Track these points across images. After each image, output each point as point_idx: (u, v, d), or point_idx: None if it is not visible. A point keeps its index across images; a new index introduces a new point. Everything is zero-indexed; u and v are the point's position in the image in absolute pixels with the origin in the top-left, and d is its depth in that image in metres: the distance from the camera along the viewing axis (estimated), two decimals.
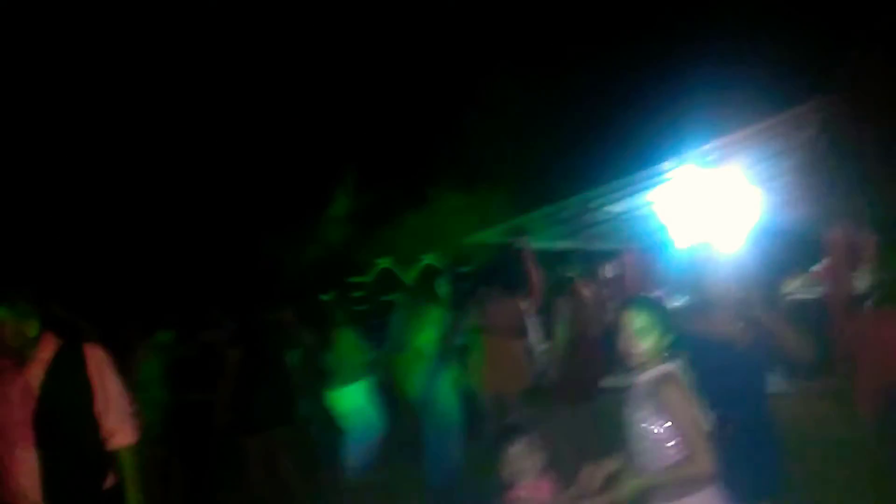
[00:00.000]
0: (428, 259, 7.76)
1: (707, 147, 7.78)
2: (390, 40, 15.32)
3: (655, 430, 2.25)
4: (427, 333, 4.75)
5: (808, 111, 6.59)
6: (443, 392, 4.73)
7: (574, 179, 12.31)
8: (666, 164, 8.38)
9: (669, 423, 2.24)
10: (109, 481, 2.88)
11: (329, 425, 5.73)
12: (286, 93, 15.23)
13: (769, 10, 11.77)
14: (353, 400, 5.68)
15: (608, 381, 9.53)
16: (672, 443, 2.23)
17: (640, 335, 2.41)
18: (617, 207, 10.65)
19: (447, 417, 4.64)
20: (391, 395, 6.55)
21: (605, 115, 14.17)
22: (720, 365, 2.59)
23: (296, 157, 14.12)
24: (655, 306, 2.54)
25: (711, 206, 9.00)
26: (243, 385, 5.06)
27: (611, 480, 2.41)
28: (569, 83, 15.21)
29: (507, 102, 15.79)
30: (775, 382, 4.77)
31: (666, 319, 2.47)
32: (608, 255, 13.08)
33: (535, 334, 7.55)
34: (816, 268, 9.54)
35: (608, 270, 13.18)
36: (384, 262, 9.08)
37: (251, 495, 5.14)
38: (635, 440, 2.34)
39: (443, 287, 4.99)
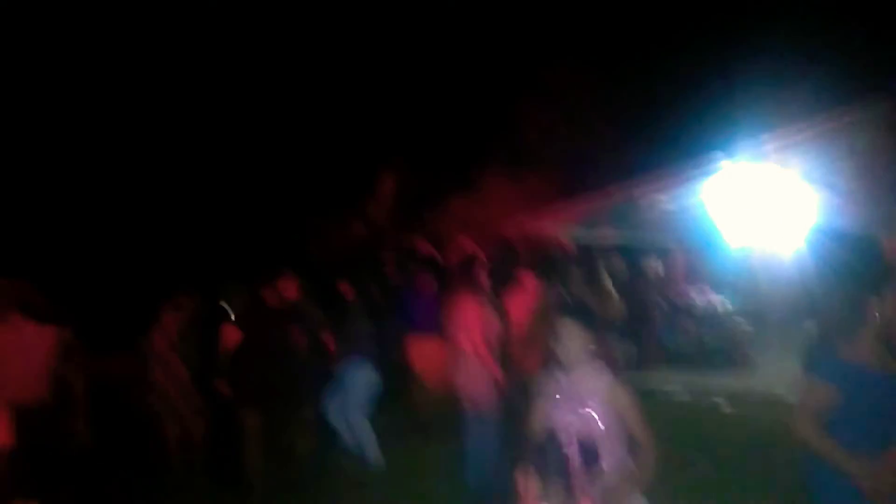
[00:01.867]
0: (467, 243, 7.73)
1: (761, 141, 7.53)
2: (450, 21, 15.27)
3: (601, 426, 2.35)
4: (463, 319, 4.70)
5: (872, 112, 6.28)
6: (474, 378, 4.65)
7: (623, 170, 12.09)
8: (717, 156, 8.16)
9: (613, 421, 2.38)
10: None
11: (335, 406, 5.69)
12: (340, 70, 15.37)
13: (839, 5, 11.27)
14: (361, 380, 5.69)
15: None
16: (613, 438, 2.35)
17: (570, 339, 2.59)
18: (667, 201, 10.43)
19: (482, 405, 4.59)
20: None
21: (660, 105, 13.84)
22: None
23: (347, 137, 14.27)
24: (586, 313, 2.70)
25: (765, 204, 8.72)
26: (244, 359, 5.08)
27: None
28: (625, 72, 14.90)
29: (560, 90, 15.57)
30: None
31: (594, 326, 2.64)
32: (656, 251, 12.80)
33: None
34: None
35: (656, 266, 12.91)
36: (423, 244, 9.09)
37: (247, 470, 5.12)
38: (567, 435, 2.36)
39: (478, 272, 4.89)
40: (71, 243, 10.84)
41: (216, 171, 13.37)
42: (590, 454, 2.27)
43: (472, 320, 4.62)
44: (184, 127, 13.45)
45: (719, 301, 10.87)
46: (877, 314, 2.23)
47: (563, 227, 10.24)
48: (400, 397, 7.05)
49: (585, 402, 2.53)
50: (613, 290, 6.32)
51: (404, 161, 14.36)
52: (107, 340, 6.11)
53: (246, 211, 13.28)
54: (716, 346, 10.15)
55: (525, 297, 5.47)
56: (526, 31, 15.24)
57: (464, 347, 4.65)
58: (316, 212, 13.87)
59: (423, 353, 6.25)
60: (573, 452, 2.24)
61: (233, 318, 5.34)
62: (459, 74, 15.47)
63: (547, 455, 2.25)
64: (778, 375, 8.42)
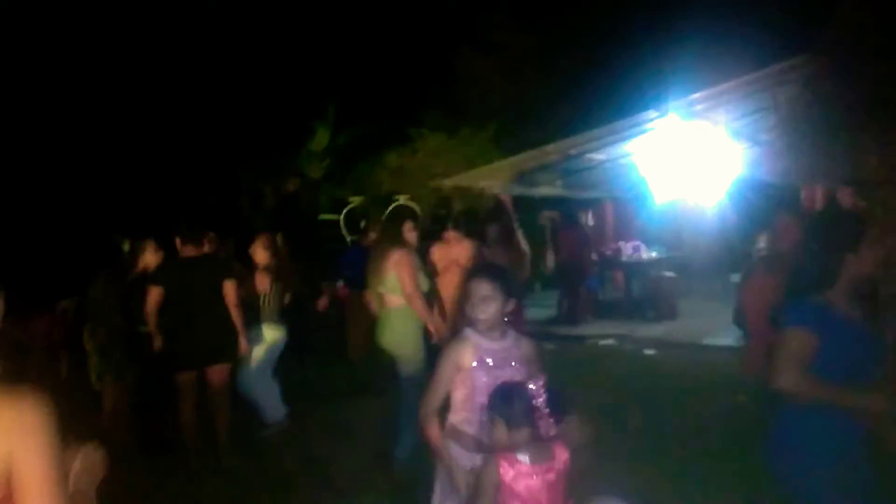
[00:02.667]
0: (401, 199, 7.66)
1: (691, 98, 7.69)
2: None
3: (533, 389, 2.34)
4: (392, 277, 4.63)
5: (792, 67, 6.47)
6: (409, 337, 4.62)
7: (558, 125, 12.20)
8: (650, 114, 8.30)
9: (541, 385, 2.33)
10: None
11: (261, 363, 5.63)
12: (273, 25, 14.82)
13: None
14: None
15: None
16: (541, 401, 2.30)
17: (485, 302, 2.58)
18: (600, 155, 10.60)
19: (416, 364, 4.54)
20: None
21: (593, 62, 13.94)
22: None
23: (279, 90, 13.82)
24: (499, 275, 2.70)
25: (693, 158, 8.98)
26: (174, 319, 4.92)
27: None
28: (559, 28, 14.92)
29: (496, 44, 15.49)
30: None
31: (509, 288, 2.66)
32: (589, 203, 13.07)
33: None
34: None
35: (588, 218, 13.19)
36: (356, 200, 8.89)
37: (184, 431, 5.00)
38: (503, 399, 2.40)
39: (409, 229, 4.81)
40: None
41: (145, 126, 12.78)
42: (556, 402, 2.31)
43: (405, 275, 4.56)
44: (115, 80, 12.75)
45: (647, 253, 11.22)
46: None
47: (497, 182, 10.28)
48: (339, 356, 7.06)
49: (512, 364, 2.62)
50: (527, 248, 6.34)
51: (338, 114, 14.04)
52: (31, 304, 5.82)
53: (178, 166, 12.77)
54: (644, 297, 10.50)
55: (453, 254, 5.48)
56: None
57: (396, 302, 4.63)
58: (249, 167, 13.49)
59: (357, 309, 6.17)
60: (542, 402, 2.29)
61: (155, 274, 5.11)
62: (396, 25, 15.15)
63: (514, 405, 2.30)
64: (703, 324, 8.84)
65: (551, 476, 2.32)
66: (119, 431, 5.15)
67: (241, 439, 5.22)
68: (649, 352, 8.05)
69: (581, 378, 6.21)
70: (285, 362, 5.91)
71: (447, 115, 13.97)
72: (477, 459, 2.53)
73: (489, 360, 2.60)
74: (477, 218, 6.00)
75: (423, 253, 5.16)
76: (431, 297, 4.91)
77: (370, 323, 5.14)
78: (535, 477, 2.30)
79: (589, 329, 9.61)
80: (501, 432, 2.32)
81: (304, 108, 13.85)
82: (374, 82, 14.69)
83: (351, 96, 13.86)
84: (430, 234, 6.20)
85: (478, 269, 3.00)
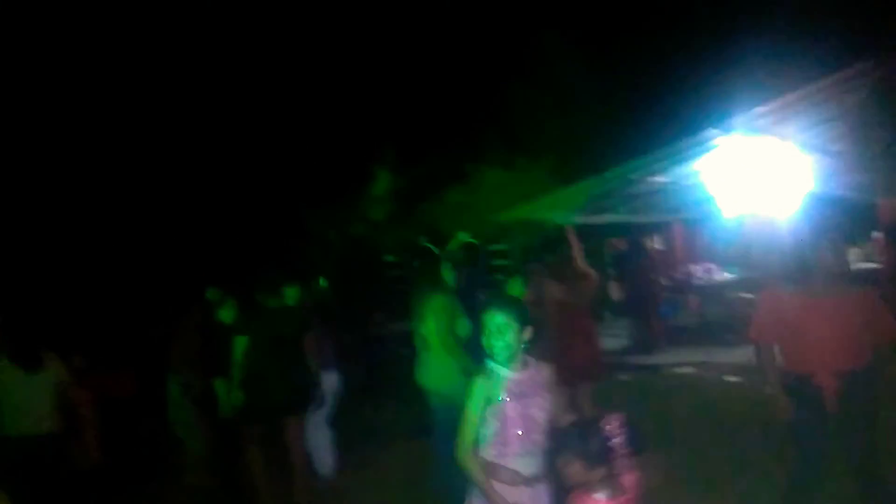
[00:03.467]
0: (463, 236, 7.68)
1: (755, 113, 7.47)
2: (433, 12, 15.18)
3: (541, 421, 2.58)
4: (431, 321, 4.61)
5: (859, 74, 6.23)
6: (447, 379, 4.55)
7: (618, 150, 12.05)
8: (712, 132, 8.10)
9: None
10: None
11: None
12: (328, 67, 15.28)
13: None
14: None
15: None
16: (618, 441, 2.30)
17: (500, 332, 2.62)
18: (663, 178, 10.39)
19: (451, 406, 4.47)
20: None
21: (649, 83, 13.79)
22: None
23: (337, 134, 14.22)
24: (513, 305, 2.75)
25: (761, 174, 8.69)
26: (255, 370, 4.78)
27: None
28: (612, 53, 14.83)
29: (549, 74, 15.52)
30: None
31: (524, 317, 2.67)
32: (655, 227, 12.80)
33: None
34: (875, 237, 9.12)
35: (656, 242, 12.91)
36: (422, 240, 8.93)
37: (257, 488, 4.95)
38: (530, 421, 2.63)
39: (448, 271, 4.78)
40: (58, 265, 10.76)
41: (206, 173, 13.31)
42: (634, 440, 2.30)
43: (440, 322, 4.57)
44: (170, 135, 13.39)
45: (720, 274, 10.87)
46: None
47: (558, 212, 10.19)
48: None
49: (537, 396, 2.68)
50: (590, 271, 6.22)
51: (396, 155, 14.32)
52: (107, 360, 6.09)
53: (239, 214, 13.24)
54: (719, 320, 10.14)
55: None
56: (512, 14, 15.16)
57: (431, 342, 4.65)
58: (314, 213, 13.87)
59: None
60: (619, 442, 2.27)
61: (235, 326, 5.20)
62: (447, 63, 15.41)
63: (590, 444, 2.30)
64: None
65: None
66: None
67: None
68: (731, 378, 7.71)
69: (659, 410, 6.02)
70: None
71: (504, 148, 14.04)
72: (523, 494, 2.59)
73: (517, 391, 2.63)
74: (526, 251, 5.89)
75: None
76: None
77: None
78: None
79: (664, 357, 9.31)
80: (577, 470, 2.30)
81: (364, 151, 14.20)
82: (431, 122, 14.93)
83: (408, 137, 14.13)
84: (494, 269, 6.21)
85: (489, 301, 3.02)
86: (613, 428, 2.27)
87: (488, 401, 2.63)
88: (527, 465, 2.63)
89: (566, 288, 5.46)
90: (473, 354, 4.49)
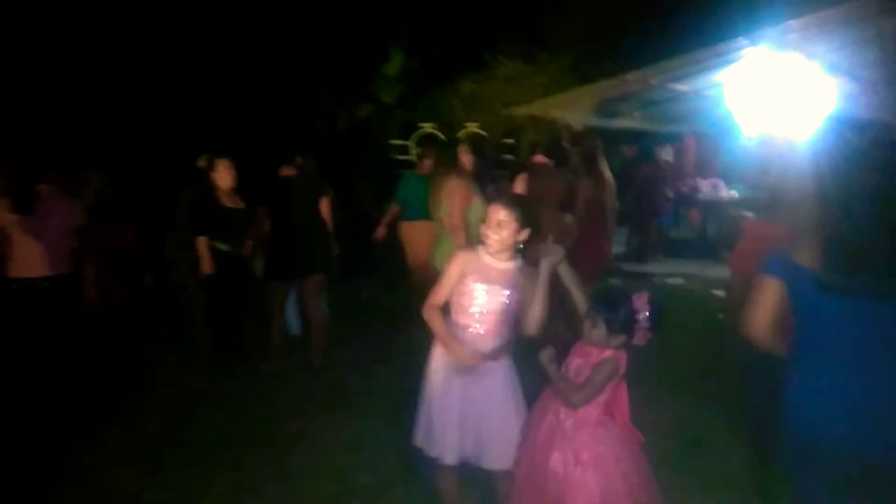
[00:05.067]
0: (472, 127, 7.57)
1: (785, 27, 7.19)
2: None
3: (500, 312, 2.78)
4: (447, 203, 4.75)
5: None
6: None
7: (640, 54, 11.65)
8: (739, 43, 7.82)
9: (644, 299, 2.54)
10: None
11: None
12: None
13: None
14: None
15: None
16: (644, 315, 2.52)
17: (498, 227, 2.73)
18: (683, 86, 10.11)
19: None
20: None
21: None
22: None
23: (354, 13, 13.67)
24: (518, 204, 2.81)
25: (784, 92, 8.46)
26: (275, 233, 5.23)
27: None
28: None
29: None
30: None
31: (529, 218, 2.76)
32: (670, 138, 12.60)
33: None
34: None
35: (668, 153, 12.75)
36: (427, 126, 8.78)
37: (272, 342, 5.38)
38: (489, 307, 2.80)
39: (465, 156, 4.89)
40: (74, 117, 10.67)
41: (221, 50, 12.94)
42: (655, 318, 2.51)
43: (454, 205, 4.71)
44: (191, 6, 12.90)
45: (727, 191, 10.81)
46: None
47: (574, 112, 10.03)
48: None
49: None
50: (611, 179, 6.24)
51: (413, 39, 13.82)
52: (117, 215, 6.20)
53: (251, 90, 12.97)
54: (717, 237, 10.19)
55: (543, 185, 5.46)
56: None
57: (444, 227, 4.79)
58: (323, 92, 13.55)
59: (414, 235, 6.15)
60: (644, 316, 2.49)
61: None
62: None
63: (619, 312, 2.50)
64: None
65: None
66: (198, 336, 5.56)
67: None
68: (717, 292, 7.87)
69: None
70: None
71: (524, 41, 13.55)
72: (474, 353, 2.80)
73: (488, 277, 2.78)
74: (562, 145, 5.91)
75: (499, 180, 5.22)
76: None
77: (427, 246, 5.27)
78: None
79: (658, 267, 9.46)
80: (601, 333, 2.54)
81: (378, 31, 13.70)
82: (450, 6, 14.32)
83: (426, 20, 13.59)
84: (501, 163, 6.22)
85: (499, 197, 3.09)
86: (642, 303, 2.50)
87: (462, 273, 2.81)
88: (477, 343, 2.82)
89: (589, 187, 5.51)
90: None
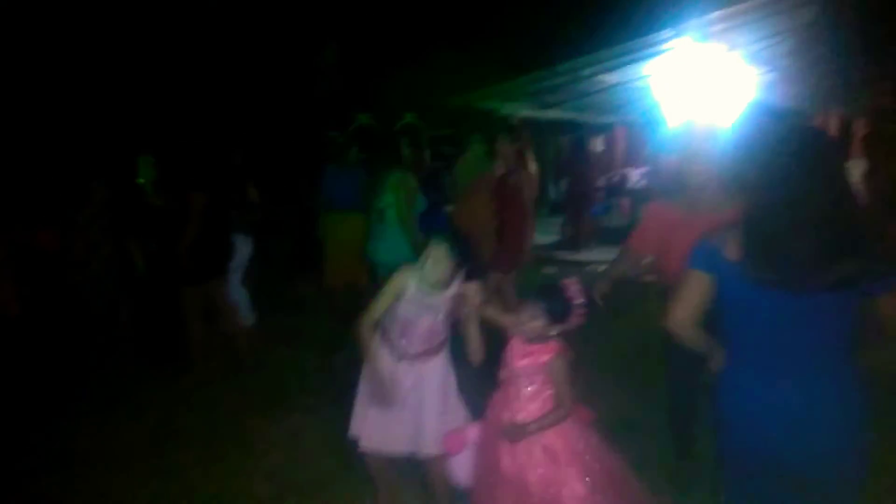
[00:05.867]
0: (409, 118, 7.52)
1: (708, 19, 7.41)
2: None
3: (425, 335, 2.86)
4: (389, 195, 4.68)
5: None
6: (403, 251, 4.69)
7: (572, 45, 11.82)
8: (665, 34, 8.03)
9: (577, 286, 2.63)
10: None
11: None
12: None
13: None
14: None
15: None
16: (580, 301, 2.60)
17: (436, 262, 2.78)
18: (612, 77, 10.32)
19: None
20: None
21: None
22: None
23: (286, 8, 13.40)
24: (457, 241, 2.86)
25: (707, 82, 8.73)
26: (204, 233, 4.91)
27: None
28: None
29: None
30: None
31: (464, 255, 2.82)
32: (600, 128, 12.86)
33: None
34: None
35: (599, 144, 13.01)
36: (364, 118, 8.62)
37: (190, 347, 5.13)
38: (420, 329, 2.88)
39: (406, 147, 4.84)
40: None
41: (143, 38, 12.45)
42: (589, 303, 2.60)
43: (403, 197, 4.68)
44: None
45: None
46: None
47: (508, 102, 10.10)
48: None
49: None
50: (535, 170, 6.32)
51: (347, 30, 13.64)
52: (33, 215, 5.89)
53: (176, 81, 12.53)
54: None
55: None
56: None
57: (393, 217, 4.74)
58: (255, 82, 13.22)
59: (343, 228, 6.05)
60: (580, 302, 2.56)
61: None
62: None
63: (559, 302, 2.56)
64: None
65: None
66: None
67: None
68: (649, 278, 8.07)
69: None
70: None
71: (460, 32, 13.57)
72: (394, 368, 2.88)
73: (423, 305, 2.84)
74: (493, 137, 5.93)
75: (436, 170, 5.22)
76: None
77: (351, 248, 5.21)
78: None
79: (590, 255, 9.63)
80: (542, 325, 2.59)
81: (313, 21, 13.47)
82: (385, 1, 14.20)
83: (361, 10, 13.45)
84: (438, 154, 6.22)
85: (437, 230, 3.20)
86: (576, 290, 2.57)
87: (398, 293, 2.84)
88: (406, 355, 2.90)
89: (518, 178, 5.54)
90: (424, 229, 4.63)
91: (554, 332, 2.59)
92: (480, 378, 2.86)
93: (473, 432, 2.76)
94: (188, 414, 4.48)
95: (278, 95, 13.51)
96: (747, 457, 1.96)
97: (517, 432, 2.53)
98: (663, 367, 3.79)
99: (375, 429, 2.91)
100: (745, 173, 1.89)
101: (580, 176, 10.28)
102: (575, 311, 2.57)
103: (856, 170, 6.20)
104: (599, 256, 9.42)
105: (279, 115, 13.58)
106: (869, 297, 1.80)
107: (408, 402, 2.88)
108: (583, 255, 9.62)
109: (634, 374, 4.93)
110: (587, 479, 2.50)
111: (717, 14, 7.35)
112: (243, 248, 5.82)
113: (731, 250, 1.89)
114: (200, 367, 5.11)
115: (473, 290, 2.79)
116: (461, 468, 2.79)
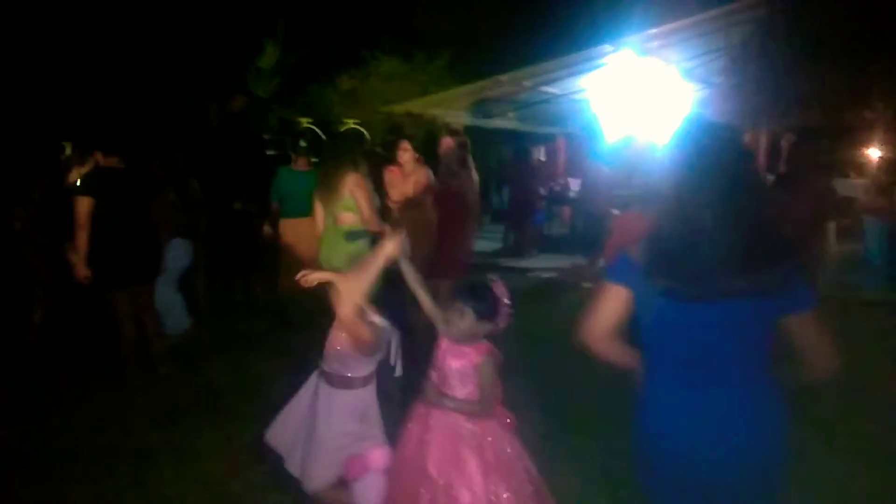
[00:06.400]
0: (351, 123, 7.46)
1: (646, 35, 7.65)
2: None
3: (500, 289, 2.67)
4: (348, 198, 4.63)
5: (746, 7, 6.48)
6: (361, 253, 4.61)
7: (515, 57, 12.00)
8: (604, 49, 8.24)
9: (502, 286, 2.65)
10: None
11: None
12: None
13: None
14: None
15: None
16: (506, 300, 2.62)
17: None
18: (554, 89, 10.53)
19: None
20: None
21: None
22: None
23: (227, 3, 13.11)
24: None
25: (644, 96, 9.00)
26: (103, 233, 4.65)
27: None
28: None
29: None
30: None
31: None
32: (542, 138, 13.07)
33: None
34: None
35: (541, 154, 13.22)
36: (304, 122, 8.54)
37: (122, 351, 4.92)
38: None
39: (353, 152, 4.79)
40: None
41: (93, 42, 11.98)
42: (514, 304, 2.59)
43: (363, 198, 4.62)
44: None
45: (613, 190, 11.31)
46: None
47: (451, 111, 10.16)
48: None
49: None
50: (476, 178, 6.37)
51: (289, 32, 13.45)
52: None
53: (120, 84, 12.10)
54: (589, 233, 10.64)
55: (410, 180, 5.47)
56: None
57: (350, 220, 4.66)
58: (194, 83, 12.87)
59: (296, 232, 6.01)
60: (506, 301, 2.58)
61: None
62: None
63: (486, 300, 2.56)
64: None
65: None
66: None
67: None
68: (587, 284, 8.24)
69: (522, 307, 6.36)
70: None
71: (403, 40, 13.58)
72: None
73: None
74: (437, 145, 5.96)
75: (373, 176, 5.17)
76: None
77: (305, 253, 5.14)
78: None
79: (533, 262, 9.75)
80: (470, 323, 2.56)
81: (252, 23, 13.22)
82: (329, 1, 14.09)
83: (303, 14, 13.29)
84: (380, 159, 6.19)
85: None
86: (502, 290, 2.59)
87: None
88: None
89: (458, 186, 5.54)
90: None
91: (482, 331, 2.59)
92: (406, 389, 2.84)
93: (378, 456, 2.74)
94: (118, 422, 4.30)
95: (215, 95, 13.22)
96: (670, 470, 1.93)
97: (434, 395, 2.55)
98: (597, 369, 3.86)
99: (283, 438, 2.93)
100: (680, 187, 1.83)
101: (522, 184, 10.41)
102: (501, 310, 2.57)
103: (783, 184, 6.48)
104: (542, 264, 9.56)
105: (216, 116, 13.29)
106: (789, 312, 1.79)
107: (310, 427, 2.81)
108: (525, 263, 9.73)
109: (570, 375, 4.97)
110: (511, 485, 2.50)
111: (654, 31, 7.60)
112: (178, 252, 5.70)
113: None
114: (132, 372, 4.92)
115: (398, 238, 2.69)
116: (369, 492, 2.75)
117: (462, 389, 2.58)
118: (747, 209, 1.75)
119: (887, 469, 3.56)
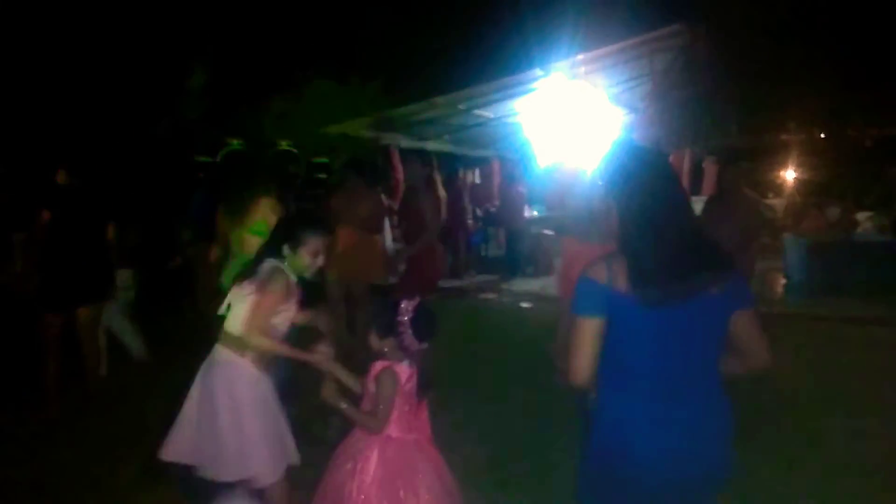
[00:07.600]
0: (284, 145, 7.38)
1: (575, 60, 7.86)
2: None
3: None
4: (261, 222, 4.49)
5: (669, 34, 6.75)
6: None
7: (450, 80, 12.16)
8: (535, 73, 8.42)
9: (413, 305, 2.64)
10: None
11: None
12: None
13: None
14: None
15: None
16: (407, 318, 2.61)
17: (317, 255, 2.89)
18: (488, 112, 10.68)
19: None
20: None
21: (484, 17, 13.96)
22: None
23: (154, 21, 12.80)
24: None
25: (574, 120, 9.24)
26: (50, 253, 4.60)
27: None
28: None
29: None
30: None
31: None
32: (477, 161, 13.23)
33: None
34: None
35: (476, 176, 13.38)
36: (235, 143, 8.40)
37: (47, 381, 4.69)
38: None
39: (273, 176, 4.71)
40: None
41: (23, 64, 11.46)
42: (421, 324, 2.55)
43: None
44: None
45: (529, 211, 11.53)
46: None
47: (386, 133, 10.17)
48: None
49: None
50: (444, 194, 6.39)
51: (218, 54, 13.21)
52: None
53: (48, 103, 11.60)
54: (524, 254, 10.82)
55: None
56: None
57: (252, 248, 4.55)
58: (120, 104, 12.46)
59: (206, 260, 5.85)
60: (408, 319, 2.53)
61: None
62: None
63: (384, 316, 2.57)
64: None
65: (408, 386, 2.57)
66: None
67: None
68: (525, 304, 8.35)
69: (461, 327, 6.38)
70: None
71: (336, 62, 13.58)
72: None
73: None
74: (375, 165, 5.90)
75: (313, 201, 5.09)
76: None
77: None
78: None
79: (470, 283, 9.83)
80: (372, 338, 2.60)
81: (180, 44, 12.94)
82: (260, 23, 13.96)
83: (234, 35, 13.11)
84: (313, 183, 6.15)
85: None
86: (408, 308, 2.55)
87: (287, 293, 2.85)
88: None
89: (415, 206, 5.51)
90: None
91: (385, 345, 2.57)
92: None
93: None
94: (38, 459, 4.06)
95: (142, 115, 12.82)
96: (628, 483, 1.94)
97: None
98: (538, 391, 3.87)
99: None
100: (615, 207, 1.92)
101: (458, 206, 10.49)
102: (402, 327, 2.53)
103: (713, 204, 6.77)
104: (479, 284, 9.65)
105: (144, 138, 12.88)
106: (736, 308, 1.89)
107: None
108: (462, 283, 9.79)
109: (511, 397, 5.00)
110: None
111: (581, 56, 7.83)
112: (122, 277, 5.46)
113: (620, 281, 1.87)
114: (65, 399, 4.67)
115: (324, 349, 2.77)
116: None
117: (368, 403, 2.58)
118: (680, 223, 1.87)
119: (809, 475, 3.72)
